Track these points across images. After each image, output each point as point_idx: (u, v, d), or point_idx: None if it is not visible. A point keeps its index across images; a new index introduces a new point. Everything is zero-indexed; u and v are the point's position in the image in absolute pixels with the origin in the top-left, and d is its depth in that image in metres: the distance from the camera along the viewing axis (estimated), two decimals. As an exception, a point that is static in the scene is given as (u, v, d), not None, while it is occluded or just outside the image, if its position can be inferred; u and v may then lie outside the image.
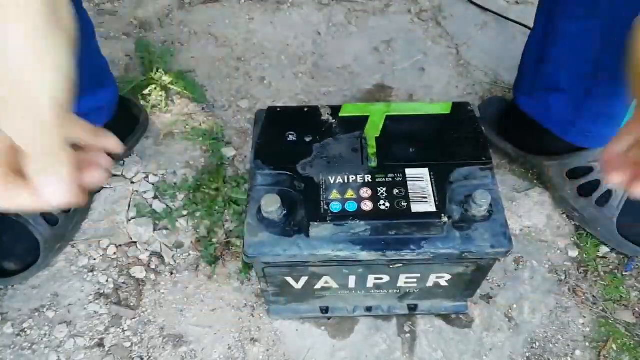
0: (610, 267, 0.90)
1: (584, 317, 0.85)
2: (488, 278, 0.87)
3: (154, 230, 0.92)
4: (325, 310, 0.81)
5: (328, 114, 0.70)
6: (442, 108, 0.71)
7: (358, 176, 0.63)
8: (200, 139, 1.02)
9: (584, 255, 0.91)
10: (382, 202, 0.61)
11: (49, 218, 0.85)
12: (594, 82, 0.77)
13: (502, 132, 0.98)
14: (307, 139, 0.67)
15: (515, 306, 0.86)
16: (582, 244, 0.92)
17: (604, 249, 0.92)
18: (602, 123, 0.82)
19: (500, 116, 1.00)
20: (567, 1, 0.73)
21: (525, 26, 1.21)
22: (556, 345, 0.83)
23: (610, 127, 0.81)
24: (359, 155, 0.65)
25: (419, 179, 0.63)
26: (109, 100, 0.90)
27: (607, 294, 0.87)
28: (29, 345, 0.80)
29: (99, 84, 0.86)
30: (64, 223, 0.87)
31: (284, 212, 0.62)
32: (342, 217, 0.60)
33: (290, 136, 0.67)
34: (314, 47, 1.20)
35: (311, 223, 0.60)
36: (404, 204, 0.61)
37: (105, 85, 0.89)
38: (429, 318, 0.84)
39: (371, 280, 0.71)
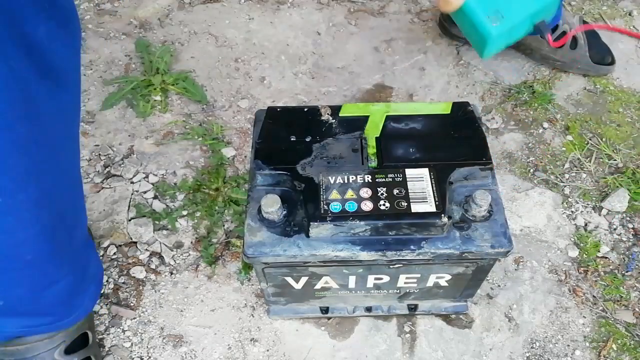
0: (610, 267, 0.90)
1: (584, 317, 0.85)
2: (488, 278, 0.87)
3: (154, 230, 0.92)
4: (325, 310, 0.81)
5: (328, 114, 0.70)
6: (442, 108, 0.71)
7: (358, 176, 0.63)
8: (200, 139, 1.02)
9: (584, 255, 0.91)
10: (382, 202, 0.61)
11: None
12: None
13: None
14: (307, 139, 0.67)
15: (515, 306, 0.86)
16: (582, 244, 0.92)
17: (604, 249, 0.92)
18: None
19: None
20: None
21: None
22: (556, 345, 0.83)
23: None
24: (359, 155, 0.65)
25: (419, 179, 0.63)
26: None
27: (607, 294, 0.87)
28: (29, 345, 0.80)
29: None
30: None
31: (284, 212, 0.62)
32: (342, 217, 0.60)
33: (290, 136, 0.67)
34: (314, 47, 1.20)
35: (311, 223, 0.60)
36: (404, 204, 0.61)
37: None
38: (429, 318, 0.84)
39: (371, 281, 0.71)
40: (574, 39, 1.15)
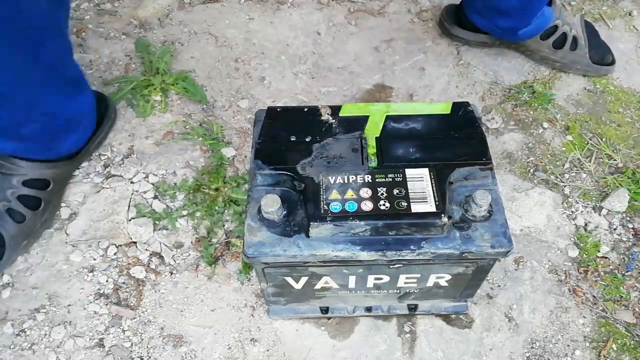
0: (610, 267, 0.90)
1: (584, 317, 0.85)
2: (488, 278, 0.87)
3: (154, 230, 0.92)
4: (325, 310, 0.81)
5: (328, 114, 0.70)
6: (442, 108, 0.71)
7: (358, 176, 0.63)
8: (200, 139, 1.02)
9: (584, 255, 0.91)
10: (382, 202, 0.61)
11: (14, 215, 0.85)
12: None
13: (477, 29, 1.17)
14: (307, 139, 0.67)
15: (515, 306, 0.86)
16: (582, 244, 0.92)
17: (604, 249, 0.92)
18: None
19: (464, 17, 1.16)
20: None
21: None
22: (556, 345, 0.83)
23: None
24: (359, 155, 0.65)
25: (419, 179, 0.63)
26: (91, 104, 0.94)
27: (607, 294, 0.87)
28: (29, 345, 0.80)
29: (80, 88, 0.90)
30: (31, 220, 0.87)
31: (284, 212, 0.62)
32: (342, 217, 0.60)
33: (290, 136, 0.67)
34: (314, 47, 1.20)
35: (311, 223, 0.60)
36: (404, 204, 0.61)
37: (85, 90, 0.91)
38: (429, 318, 0.84)
39: (371, 281, 0.71)
40: (574, 40, 1.14)
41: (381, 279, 0.70)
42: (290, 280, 0.70)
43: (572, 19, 1.16)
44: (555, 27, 1.13)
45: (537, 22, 1.10)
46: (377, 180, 0.63)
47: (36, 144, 0.84)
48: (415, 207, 0.60)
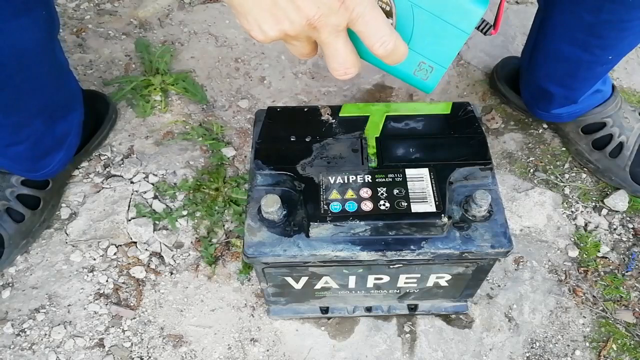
0: (610, 267, 0.90)
1: (584, 317, 0.85)
2: (488, 278, 0.87)
3: (154, 230, 0.92)
4: (325, 310, 0.81)
5: (328, 114, 0.70)
6: (442, 108, 0.71)
7: (358, 176, 0.63)
8: (200, 139, 1.02)
9: (584, 255, 0.91)
10: (382, 202, 0.61)
11: (13, 214, 0.85)
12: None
13: (519, 91, 1.03)
14: (307, 139, 0.67)
15: (515, 306, 0.86)
16: (582, 244, 0.92)
17: (604, 249, 0.92)
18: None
19: (517, 76, 1.04)
20: None
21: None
22: (556, 345, 0.83)
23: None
24: (359, 155, 0.65)
25: (419, 179, 0.63)
26: (79, 121, 0.90)
27: (607, 294, 0.87)
28: (29, 345, 0.80)
29: (72, 108, 0.87)
30: (31, 219, 0.87)
31: (284, 212, 0.62)
32: (342, 217, 0.60)
33: (290, 136, 0.67)
34: (314, 47, 1.20)
35: (311, 223, 0.60)
36: (404, 204, 0.61)
37: (77, 108, 0.89)
38: (429, 318, 0.84)
39: (371, 281, 0.71)
40: (619, 146, 0.95)
41: (381, 279, 0.70)
42: (290, 280, 0.70)
43: (629, 123, 0.95)
44: (603, 125, 0.95)
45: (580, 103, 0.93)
46: (377, 180, 0.63)
47: (20, 164, 0.82)
48: (415, 207, 0.60)
